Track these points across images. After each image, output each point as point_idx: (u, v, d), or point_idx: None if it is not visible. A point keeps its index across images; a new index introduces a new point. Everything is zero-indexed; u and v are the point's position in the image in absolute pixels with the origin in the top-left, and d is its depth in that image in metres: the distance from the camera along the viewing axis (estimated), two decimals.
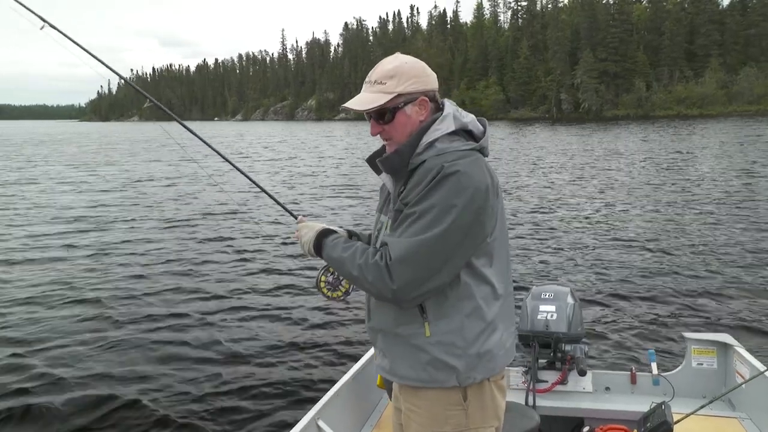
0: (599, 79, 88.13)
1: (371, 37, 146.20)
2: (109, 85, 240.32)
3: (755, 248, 9.57)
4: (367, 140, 45.64)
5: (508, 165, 23.82)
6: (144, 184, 21.04)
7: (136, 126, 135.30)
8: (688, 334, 3.60)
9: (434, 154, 1.67)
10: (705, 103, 78.06)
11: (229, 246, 10.68)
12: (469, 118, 1.77)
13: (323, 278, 1.96)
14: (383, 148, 1.85)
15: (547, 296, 3.38)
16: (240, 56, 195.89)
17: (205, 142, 2.32)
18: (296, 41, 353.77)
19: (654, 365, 3.49)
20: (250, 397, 5.00)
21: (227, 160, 2.34)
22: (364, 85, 1.76)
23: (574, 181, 18.95)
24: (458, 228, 1.59)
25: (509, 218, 10.22)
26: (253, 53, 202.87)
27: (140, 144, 48.64)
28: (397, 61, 1.75)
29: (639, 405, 2.97)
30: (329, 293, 1.97)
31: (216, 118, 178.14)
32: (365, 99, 1.73)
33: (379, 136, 1.79)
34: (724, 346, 3.48)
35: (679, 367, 3.56)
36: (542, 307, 3.31)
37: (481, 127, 1.78)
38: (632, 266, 8.76)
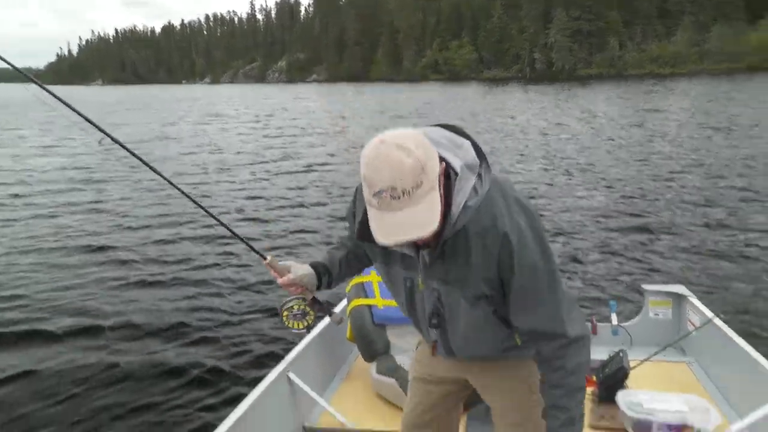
0: (572, 38, 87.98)
1: None
2: (68, 47, 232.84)
3: (715, 203, 9.79)
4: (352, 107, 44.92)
5: (480, 127, 23.85)
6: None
7: (101, 90, 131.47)
8: (646, 286, 3.76)
9: (471, 216, 1.46)
10: (677, 62, 78.58)
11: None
12: (465, 147, 1.51)
13: (287, 311, 1.95)
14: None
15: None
16: (207, 17, 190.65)
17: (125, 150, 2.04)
18: (265, 1, 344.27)
19: (614, 316, 3.67)
20: (221, 354, 5.04)
21: (158, 173, 2.07)
22: (392, 202, 1.32)
23: (542, 141, 19.08)
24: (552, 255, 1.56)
25: None
26: (221, 14, 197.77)
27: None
28: (404, 154, 1.31)
29: (599, 353, 3.08)
30: (295, 324, 1.97)
31: (184, 81, 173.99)
32: (423, 218, 1.34)
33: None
34: (679, 297, 3.65)
35: (637, 318, 3.73)
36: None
37: (472, 152, 1.52)
38: (596, 221, 8.94)
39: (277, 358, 3.12)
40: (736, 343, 2.92)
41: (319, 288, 1.90)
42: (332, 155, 17.49)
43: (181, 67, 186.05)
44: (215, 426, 2.17)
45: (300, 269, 1.85)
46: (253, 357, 5.01)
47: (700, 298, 3.59)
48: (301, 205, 11.06)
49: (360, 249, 1.86)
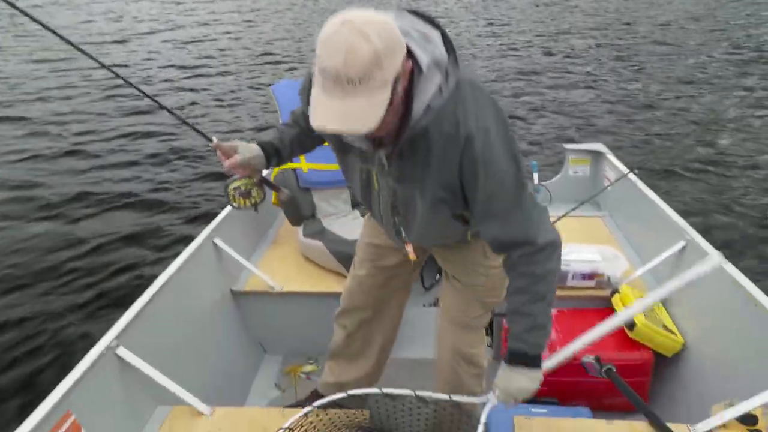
0: None
1: None
2: None
3: (627, 58, 9.97)
4: None
5: None
6: None
7: None
8: (567, 145, 3.87)
9: (434, 117, 1.36)
10: None
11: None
12: (434, 41, 1.35)
13: (233, 190, 1.91)
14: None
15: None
16: None
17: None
18: None
19: (536, 175, 3.78)
20: (147, 221, 5.02)
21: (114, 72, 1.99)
22: (333, 87, 1.18)
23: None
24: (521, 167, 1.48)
25: None
26: None
27: None
28: (365, 38, 1.16)
29: None
30: (240, 201, 1.93)
31: None
32: (364, 113, 1.20)
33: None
34: (597, 155, 3.77)
35: (558, 176, 3.86)
36: None
37: (450, 46, 1.39)
38: (519, 80, 9.00)
39: (204, 223, 3.04)
40: (646, 196, 3.05)
41: (267, 168, 1.82)
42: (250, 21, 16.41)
43: None
44: (141, 291, 2.13)
45: (247, 150, 1.74)
46: (180, 222, 4.97)
47: (618, 156, 3.67)
48: (227, 73, 10.49)
49: (306, 124, 1.70)
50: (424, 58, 1.32)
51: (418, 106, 1.34)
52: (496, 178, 1.41)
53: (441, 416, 1.69)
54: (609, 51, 11.09)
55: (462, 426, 1.65)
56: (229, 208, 2.97)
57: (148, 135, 7.26)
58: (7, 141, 7.05)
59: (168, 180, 5.91)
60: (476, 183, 1.41)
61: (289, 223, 3.13)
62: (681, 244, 2.56)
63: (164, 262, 3.52)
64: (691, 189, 5.45)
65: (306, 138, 1.81)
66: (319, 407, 1.58)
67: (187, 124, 2.03)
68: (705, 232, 2.62)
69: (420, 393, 1.60)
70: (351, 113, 1.19)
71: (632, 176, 3.23)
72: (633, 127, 6.96)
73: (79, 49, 1.85)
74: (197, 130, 1.98)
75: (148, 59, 11.85)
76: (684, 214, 2.75)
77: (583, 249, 2.78)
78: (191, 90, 9.37)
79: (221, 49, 12.68)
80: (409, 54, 1.30)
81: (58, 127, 7.59)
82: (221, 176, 5.89)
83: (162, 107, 2.03)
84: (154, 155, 6.63)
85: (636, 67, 9.62)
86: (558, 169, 3.96)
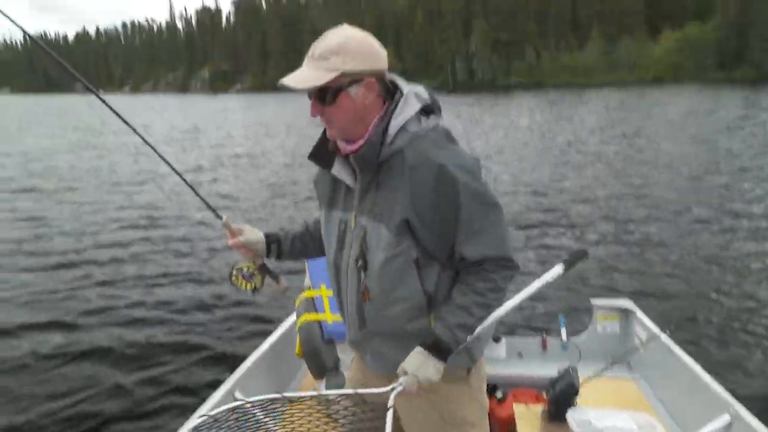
0: (492, 48, 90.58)
1: (264, 4, 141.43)
2: None
3: (657, 218, 9.87)
4: (269, 119, 44.34)
5: None
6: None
7: (10, 99, 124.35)
8: (594, 301, 3.80)
9: (409, 140, 1.59)
10: (589, 72, 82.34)
11: (143, 236, 9.70)
12: (424, 93, 1.67)
13: (236, 270, 2.01)
14: (324, 138, 1.71)
15: None
16: (124, 24, 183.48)
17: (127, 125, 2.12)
18: (185, 9, 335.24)
19: (563, 331, 3.70)
20: (165, 371, 4.89)
21: (148, 143, 2.15)
22: (305, 60, 1.58)
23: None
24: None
25: None
26: (138, 21, 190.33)
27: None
28: (342, 34, 1.56)
29: (549, 369, 3.09)
30: (243, 284, 2.01)
31: (101, 91, 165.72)
32: (305, 76, 1.55)
33: (319, 118, 1.64)
34: (626, 312, 3.69)
35: (586, 332, 3.76)
36: None
37: (434, 98, 1.70)
38: (543, 234, 8.90)
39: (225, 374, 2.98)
40: (682, 360, 2.96)
41: (267, 256, 1.99)
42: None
43: (98, 76, 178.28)
44: None
45: (252, 233, 1.95)
46: (201, 375, 4.86)
47: (647, 313, 3.63)
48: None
49: (317, 231, 1.91)
50: (406, 88, 1.64)
51: (394, 125, 1.59)
52: (474, 197, 1.57)
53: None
54: (649, 202, 11.05)
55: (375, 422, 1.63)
56: (251, 359, 2.98)
57: (179, 280, 7.32)
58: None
59: (195, 323, 5.96)
60: (457, 203, 1.56)
61: (312, 376, 3.05)
62: (725, 418, 2.44)
63: (185, 412, 3.48)
64: (730, 354, 5.06)
65: (309, 238, 2.00)
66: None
67: (199, 196, 2.14)
68: (748, 401, 2.52)
69: (325, 392, 1.64)
70: (299, 75, 1.55)
71: (665, 337, 3.16)
72: (662, 286, 6.73)
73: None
74: (208, 205, 2.11)
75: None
76: (727, 383, 2.65)
77: (616, 415, 2.68)
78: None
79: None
80: (392, 84, 1.65)
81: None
82: (243, 318, 5.91)
83: (177, 173, 2.13)
84: (182, 299, 6.67)
85: (660, 223, 9.51)
86: (586, 325, 3.87)
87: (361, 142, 1.61)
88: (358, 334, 1.79)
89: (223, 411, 1.52)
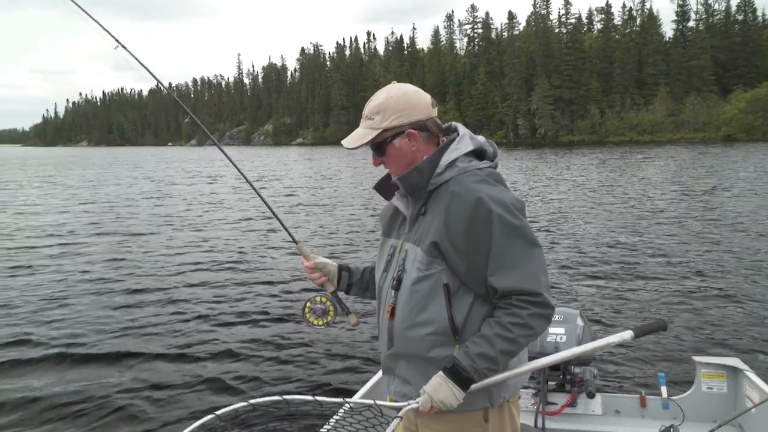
0: (554, 105, 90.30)
1: (328, 62, 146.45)
2: (55, 108, 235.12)
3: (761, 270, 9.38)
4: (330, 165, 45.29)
5: None
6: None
7: (90, 151, 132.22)
8: (697, 358, 3.61)
9: (457, 173, 1.73)
10: (655, 130, 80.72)
11: (229, 274, 10.20)
12: (483, 139, 1.85)
13: (310, 303, 2.07)
14: (388, 174, 1.92)
15: (556, 318, 3.37)
16: (195, 80, 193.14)
17: (235, 166, 2.36)
18: (252, 66, 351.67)
19: (664, 389, 3.52)
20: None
21: (249, 183, 2.35)
22: (362, 119, 1.83)
23: (552, 205, 18.76)
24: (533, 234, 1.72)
25: None
26: (208, 78, 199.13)
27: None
28: (384, 95, 1.80)
29: (649, 428, 3.04)
30: (314, 321, 2.06)
31: (170, 144, 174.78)
32: (357, 136, 1.82)
33: (382, 166, 1.88)
34: (734, 371, 3.50)
35: (689, 391, 3.56)
36: (552, 329, 3.33)
37: (492, 149, 1.85)
38: (639, 289, 8.51)
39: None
40: None
41: (339, 283, 2.10)
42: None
43: (168, 129, 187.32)
44: None
45: (324, 259, 2.12)
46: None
47: (756, 373, 3.42)
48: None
49: None
50: (461, 130, 1.86)
51: (445, 158, 1.76)
52: (508, 230, 1.65)
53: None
54: (737, 254, 10.55)
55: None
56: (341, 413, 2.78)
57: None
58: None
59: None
60: (490, 233, 1.64)
61: None
62: None
63: None
64: None
65: None
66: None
67: (279, 221, 2.23)
68: None
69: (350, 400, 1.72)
70: (352, 136, 1.83)
71: None
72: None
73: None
74: (287, 230, 2.21)
75: None
76: None
77: None
78: None
79: None
80: (451, 129, 1.89)
81: None
82: (333, 378, 5.76)
83: (264, 201, 2.28)
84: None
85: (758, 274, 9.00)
86: (687, 384, 3.66)
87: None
88: (386, 354, 1.86)
89: (230, 410, 1.65)
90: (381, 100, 1.77)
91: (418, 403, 1.68)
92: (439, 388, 1.65)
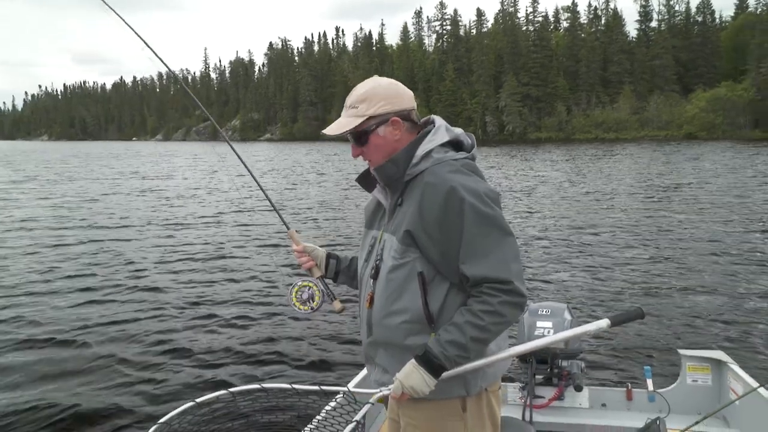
0: (522, 103, 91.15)
1: (296, 58, 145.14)
2: (13, 101, 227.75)
3: (746, 265, 9.60)
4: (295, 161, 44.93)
5: None
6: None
7: (51, 145, 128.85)
8: (683, 351, 3.66)
9: (431, 164, 1.75)
10: (620, 128, 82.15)
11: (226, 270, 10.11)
12: (459, 131, 1.87)
13: (297, 289, 2.10)
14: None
15: (544, 312, 3.42)
16: (160, 74, 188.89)
17: (241, 160, 2.37)
18: (219, 60, 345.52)
19: (650, 382, 3.60)
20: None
21: (249, 171, 2.41)
22: (343, 110, 1.86)
23: (522, 202, 18.92)
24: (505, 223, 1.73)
25: None
26: (173, 72, 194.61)
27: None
28: (370, 84, 1.83)
29: (635, 421, 3.06)
30: (299, 306, 2.09)
31: (134, 138, 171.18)
32: (340, 124, 1.84)
33: (360, 158, 1.89)
34: (719, 363, 3.55)
35: (675, 384, 3.62)
36: (539, 323, 3.35)
37: (469, 140, 1.88)
38: (626, 283, 8.64)
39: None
40: None
41: (326, 269, 2.14)
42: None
43: (132, 123, 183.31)
44: None
45: (314, 245, 2.17)
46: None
47: (740, 365, 3.48)
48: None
49: None
50: (439, 121, 1.88)
51: (421, 149, 1.78)
52: (482, 221, 1.66)
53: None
54: (723, 245, 10.81)
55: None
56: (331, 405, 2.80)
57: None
58: None
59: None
60: (462, 222, 1.66)
61: None
62: None
63: None
64: None
65: None
66: None
67: (273, 207, 2.27)
68: None
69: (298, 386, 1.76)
70: (335, 124, 1.85)
71: (763, 391, 2.98)
72: (755, 336, 6.31)
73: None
74: (280, 216, 2.25)
75: None
76: None
77: None
78: None
79: None
80: (429, 123, 1.89)
81: None
82: (320, 371, 5.82)
83: (260, 187, 2.31)
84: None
85: (742, 269, 9.23)
86: (673, 377, 3.71)
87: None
88: (366, 342, 1.89)
89: (209, 398, 1.67)
90: (367, 88, 1.81)
91: (389, 389, 1.71)
92: (410, 374, 1.68)
